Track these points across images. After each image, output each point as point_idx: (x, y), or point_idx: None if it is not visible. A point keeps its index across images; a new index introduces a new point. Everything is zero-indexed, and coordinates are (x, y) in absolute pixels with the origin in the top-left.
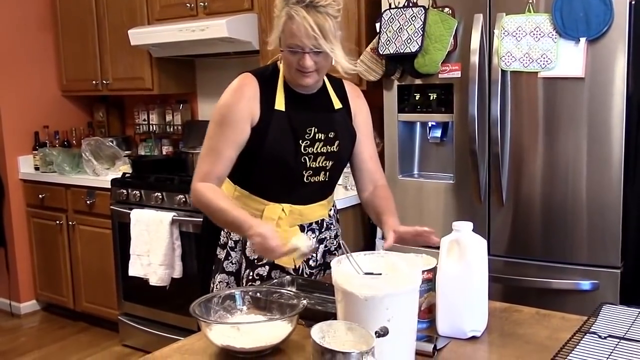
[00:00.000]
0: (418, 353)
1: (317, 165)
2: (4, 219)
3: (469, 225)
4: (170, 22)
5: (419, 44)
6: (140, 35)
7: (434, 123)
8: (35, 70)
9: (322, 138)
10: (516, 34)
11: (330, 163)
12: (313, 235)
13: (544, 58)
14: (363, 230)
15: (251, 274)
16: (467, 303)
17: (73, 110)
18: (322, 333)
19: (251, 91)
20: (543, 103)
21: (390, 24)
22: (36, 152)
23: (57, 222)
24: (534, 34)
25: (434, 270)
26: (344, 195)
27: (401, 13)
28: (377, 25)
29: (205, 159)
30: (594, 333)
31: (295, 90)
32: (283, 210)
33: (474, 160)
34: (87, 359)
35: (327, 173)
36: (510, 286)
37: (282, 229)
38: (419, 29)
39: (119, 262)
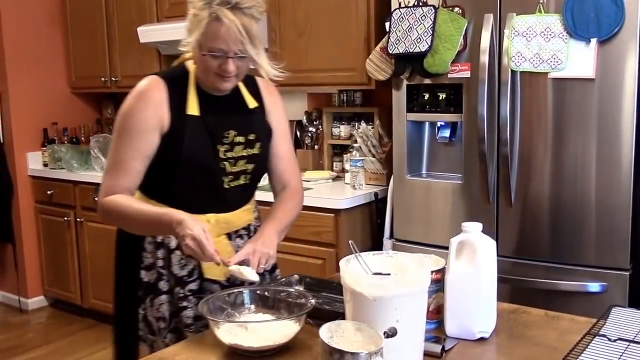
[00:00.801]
0: (426, 354)
1: (238, 170)
2: (12, 215)
3: (479, 226)
4: (180, 19)
5: (429, 44)
6: (149, 33)
7: (442, 123)
8: (44, 67)
9: (242, 141)
10: (526, 34)
11: (252, 166)
12: (242, 242)
13: (554, 59)
14: (371, 229)
15: (182, 291)
16: (476, 304)
17: (82, 107)
18: (331, 333)
19: (158, 96)
20: (553, 104)
21: (400, 23)
22: (45, 148)
23: (65, 218)
24: (544, 35)
25: (442, 271)
26: (352, 194)
27: (411, 12)
28: (387, 24)
29: (110, 174)
30: (604, 336)
31: (207, 92)
32: (208, 221)
33: (482, 161)
34: (95, 355)
35: (249, 176)
36: (517, 287)
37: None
38: (429, 28)
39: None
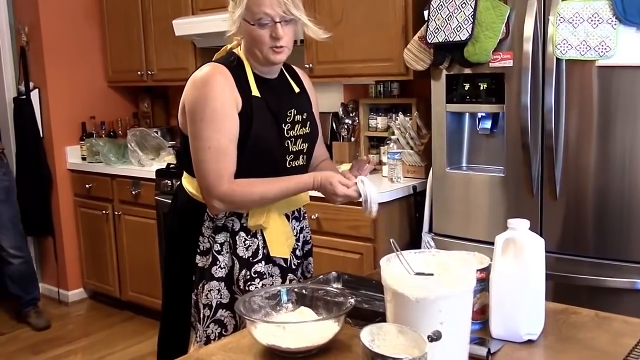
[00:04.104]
0: (471, 357)
1: (298, 149)
2: (52, 208)
3: (526, 223)
4: (215, 12)
5: (469, 32)
6: (185, 26)
7: (483, 114)
8: (82, 62)
9: (300, 120)
10: (572, 20)
11: (306, 145)
12: (297, 224)
13: (602, 46)
14: (409, 224)
15: (248, 273)
16: (522, 305)
17: (119, 100)
18: (372, 336)
19: (228, 78)
20: (600, 93)
21: (439, 12)
22: (83, 142)
23: (103, 211)
24: (591, 20)
25: (487, 270)
26: (390, 187)
27: (451, 0)
28: (425, 13)
29: (212, 162)
30: None
31: (260, 76)
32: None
33: (526, 152)
34: (133, 347)
35: (305, 156)
36: (562, 284)
37: (271, 220)
38: (469, 16)
39: (163, 253)
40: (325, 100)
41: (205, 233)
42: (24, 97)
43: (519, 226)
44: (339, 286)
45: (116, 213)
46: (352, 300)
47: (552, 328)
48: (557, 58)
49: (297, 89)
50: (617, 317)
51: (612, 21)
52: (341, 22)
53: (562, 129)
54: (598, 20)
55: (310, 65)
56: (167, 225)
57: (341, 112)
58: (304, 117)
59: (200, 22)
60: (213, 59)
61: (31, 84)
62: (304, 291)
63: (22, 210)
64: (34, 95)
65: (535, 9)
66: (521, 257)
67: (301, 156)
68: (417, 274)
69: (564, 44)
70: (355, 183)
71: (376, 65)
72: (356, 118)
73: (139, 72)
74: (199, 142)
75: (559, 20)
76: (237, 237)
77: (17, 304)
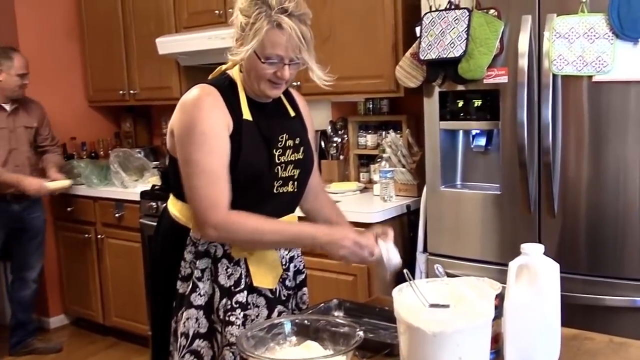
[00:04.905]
0: None
1: (287, 175)
2: None
3: (540, 248)
4: (199, 29)
5: (463, 49)
6: (168, 44)
7: (478, 131)
8: (61, 81)
9: (291, 145)
10: (568, 35)
11: (298, 172)
12: (285, 253)
13: (599, 61)
14: (403, 243)
15: (229, 302)
16: (538, 333)
17: (100, 120)
18: None
19: (218, 100)
20: (597, 109)
21: (432, 28)
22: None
23: (86, 235)
24: (588, 36)
25: (500, 297)
26: (382, 207)
27: (443, 16)
28: (417, 29)
29: (206, 188)
30: None
31: (253, 99)
32: None
33: (522, 170)
34: None
35: (296, 183)
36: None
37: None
38: (463, 32)
39: (148, 277)
40: (314, 118)
41: (187, 258)
42: None
43: (533, 251)
44: (341, 314)
45: (99, 236)
46: (361, 333)
47: (567, 356)
48: (553, 74)
49: (292, 113)
50: (633, 343)
51: (608, 36)
52: (329, 39)
53: (559, 145)
54: (594, 35)
55: (299, 82)
56: (151, 248)
57: (330, 130)
58: (297, 142)
59: (185, 40)
60: (207, 81)
61: None
62: (305, 322)
63: None
64: None
65: (529, 24)
66: (536, 284)
67: (291, 182)
68: (432, 305)
69: (560, 59)
70: (375, 244)
71: (366, 83)
72: (345, 136)
73: (120, 92)
74: (190, 167)
75: (555, 35)
76: (219, 264)
77: (12, 335)
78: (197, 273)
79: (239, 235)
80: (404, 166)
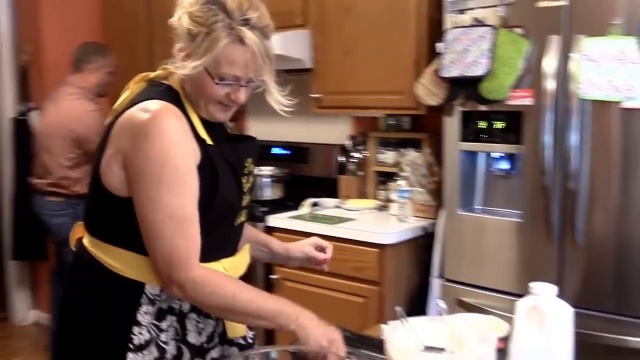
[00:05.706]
0: None
1: (245, 204)
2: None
3: (552, 288)
4: None
5: (486, 67)
6: None
7: (501, 154)
8: None
9: (251, 170)
10: (598, 58)
11: (248, 198)
12: None
13: (629, 86)
14: (418, 267)
15: None
16: None
17: None
18: None
19: (184, 124)
20: (626, 136)
21: (454, 45)
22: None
23: None
24: (618, 60)
25: (506, 339)
26: (398, 228)
27: (467, 33)
28: (439, 45)
29: (176, 237)
30: None
31: (203, 118)
32: (224, 268)
33: (546, 197)
34: None
35: (246, 211)
36: (582, 342)
37: None
38: (487, 50)
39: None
40: (333, 131)
41: (143, 321)
42: (24, 117)
43: (544, 292)
44: None
45: None
46: None
47: None
48: (580, 98)
49: (246, 132)
50: None
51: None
52: (351, 52)
53: (585, 172)
54: (625, 60)
55: (319, 95)
56: (61, 320)
57: (349, 145)
58: (253, 166)
59: None
60: (153, 94)
61: (31, 105)
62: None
63: (16, 234)
64: (34, 116)
65: (556, 45)
66: (546, 329)
67: (244, 211)
68: (427, 348)
69: (588, 83)
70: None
71: (387, 98)
72: (364, 151)
73: None
74: (156, 212)
75: (583, 58)
76: (186, 320)
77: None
78: (163, 337)
79: (210, 300)
80: (422, 186)
